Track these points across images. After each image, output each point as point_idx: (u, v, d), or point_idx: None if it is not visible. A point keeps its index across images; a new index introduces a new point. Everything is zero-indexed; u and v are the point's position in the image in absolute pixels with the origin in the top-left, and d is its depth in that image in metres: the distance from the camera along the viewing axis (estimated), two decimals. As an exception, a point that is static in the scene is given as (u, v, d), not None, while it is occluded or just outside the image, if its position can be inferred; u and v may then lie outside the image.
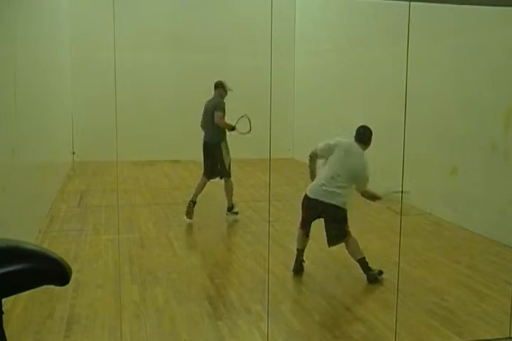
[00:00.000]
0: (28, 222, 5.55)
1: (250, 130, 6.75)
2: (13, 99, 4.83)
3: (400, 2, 3.71)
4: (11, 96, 4.76)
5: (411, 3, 3.65)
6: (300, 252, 5.01)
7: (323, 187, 4.81)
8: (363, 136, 4.97)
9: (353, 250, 4.82)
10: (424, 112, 6.90)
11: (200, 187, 6.86)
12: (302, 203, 4.98)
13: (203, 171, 6.99)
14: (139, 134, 10.43)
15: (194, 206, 6.76)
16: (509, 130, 5.86)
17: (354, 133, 4.98)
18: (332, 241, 4.87)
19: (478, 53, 6.36)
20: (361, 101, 8.96)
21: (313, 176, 5.01)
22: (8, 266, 1.38)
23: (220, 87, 6.87)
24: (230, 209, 6.89)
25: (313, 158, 5.03)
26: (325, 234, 4.87)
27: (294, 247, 5.69)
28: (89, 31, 10.27)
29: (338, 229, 4.87)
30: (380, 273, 4.76)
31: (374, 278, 4.72)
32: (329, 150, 4.89)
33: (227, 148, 6.88)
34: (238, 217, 6.89)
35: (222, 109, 6.78)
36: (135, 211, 7.33)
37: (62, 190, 8.51)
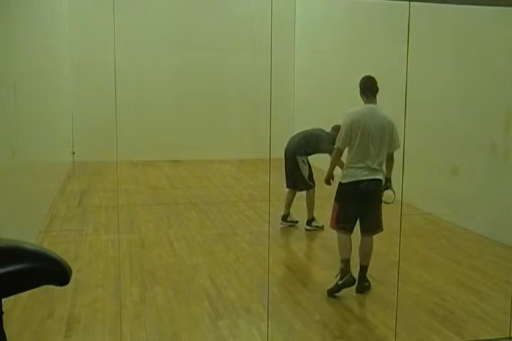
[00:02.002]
0: (28, 222, 5.55)
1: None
2: (13, 99, 4.83)
3: (400, 2, 3.70)
4: (11, 96, 4.76)
5: (411, 3, 3.65)
6: (347, 263, 4.44)
7: (373, 170, 4.38)
8: (372, 88, 4.45)
9: (367, 253, 4.54)
10: (425, 112, 6.90)
11: (289, 199, 6.56)
12: (341, 195, 4.49)
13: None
14: (139, 134, 10.44)
15: (287, 218, 6.57)
16: (509, 130, 5.86)
17: (360, 90, 4.48)
18: (370, 227, 4.51)
19: (478, 53, 6.36)
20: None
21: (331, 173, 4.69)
22: (8, 266, 1.38)
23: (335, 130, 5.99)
24: (310, 222, 6.42)
25: (340, 154, 4.57)
26: (364, 220, 4.50)
27: (293, 246, 5.70)
28: (89, 31, 10.27)
29: (377, 212, 4.51)
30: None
31: (366, 288, 4.55)
32: (350, 134, 4.38)
33: (304, 161, 6.47)
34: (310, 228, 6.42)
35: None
36: (135, 211, 7.33)
37: (62, 190, 8.51)
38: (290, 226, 6.51)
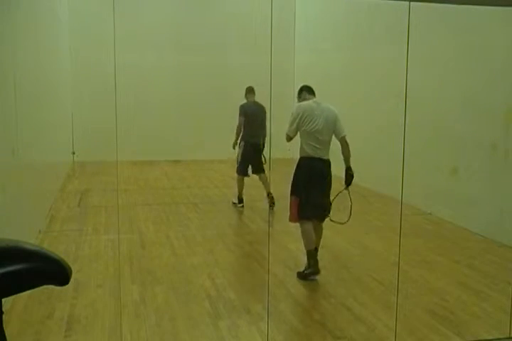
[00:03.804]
0: (28, 222, 5.55)
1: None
2: (13, 99, 4.83)
3: (400, 2, 3.70)
4: (11, 96, 4.76)
5: (411, 3, 3.65)
6: (315, 253, 4.88)
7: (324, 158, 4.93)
8: (311, 88, 5.12)
9: (319, 236, 4.95)
10: (425, 112, 6.90)
11: (243, 183, 7.62)
12: (297, 185, 4.95)
13: (239, 169, 7.61)
14: (139, 134, 10.43)
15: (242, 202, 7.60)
16: (509, 130, 5.85)
17: (302, 91, 5.13)
18: (321, 213, 4.92)
19: (478, 53, 6.36)
20: (361, 100, 8.96)
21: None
22: (8, 266, 1.38)
23: (251, 92, 7.53)
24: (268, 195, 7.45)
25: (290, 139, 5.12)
26: (318, 207, 4.91)
27: (293, 246, 5.70)
28: (89, 31, 10.27)
29: (328, 197, 4.94)
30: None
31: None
32: (300, 125, 4.93)
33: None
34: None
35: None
36: (135, 211, 7.32)
37: (62, 190, 8.51)
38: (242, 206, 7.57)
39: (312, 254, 4.81)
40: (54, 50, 8.89)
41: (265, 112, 7.40)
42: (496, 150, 6.02)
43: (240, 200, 7.60)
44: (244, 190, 7.65)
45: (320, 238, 5.00)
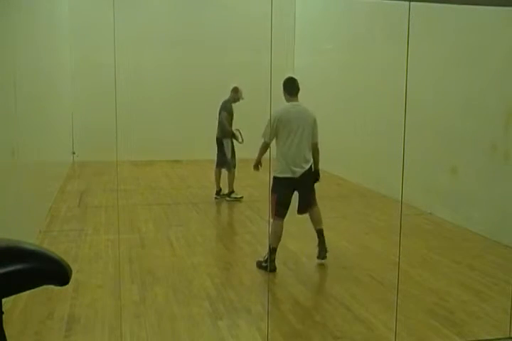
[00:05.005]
0: (28, 222, 5.55)
1: (242, 141, 7.75)
2: (13, 99, 4.83)
3: (400, 2, 3.70)
4: (11, 96, 4.76)
5: (411, 3, 3.64)
6: (275, 251, 5.04)
7: (302, 160, 5.01)
8: (295, 88, 5.07)
9: (318, 219, 5.20)
10: (425, 112, 6.90)
11: (217, 176, 8.01)
12: (277, 187, 5.01)
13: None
14: (139, 134, 10.42)
15: (220, 193, 7.97)
16: (509, 130, 5.85)
17: (284, 89, 5.06)
18: (305, 208, 5.16)
19: (478, 53, 6.36)
20: (361, 100, 8.96)
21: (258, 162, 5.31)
22: (8, 266, 1.38)
23: (233, 91, 7.95)
24: (230, 194, 7.89)
25: (267, 147, 5.16)
26: (297, 203, 5.12)
27: (293, 246, 5.71)
28: (89, 31, 10.27)
29: (310, 195, 5.19)
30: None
31: (325, 253, 5.10)
32: (276, 129, 4.96)
33: (229, 144, 7.82)
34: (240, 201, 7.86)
35: (227, 110, 7.83)
36: (135, 211, 7.32)
37: (62, 190, 8.51)
38: (231, 201, 7.85)
39: (273, 252, 4.98)
40: (54, 50, 8.89)
41: (222, 110, 7.87)
42: (496, 150, 6.02)
43: (217, 192, 7.98)
44: (238, 189, 7.90)
45: (320, 220, 5.20)
